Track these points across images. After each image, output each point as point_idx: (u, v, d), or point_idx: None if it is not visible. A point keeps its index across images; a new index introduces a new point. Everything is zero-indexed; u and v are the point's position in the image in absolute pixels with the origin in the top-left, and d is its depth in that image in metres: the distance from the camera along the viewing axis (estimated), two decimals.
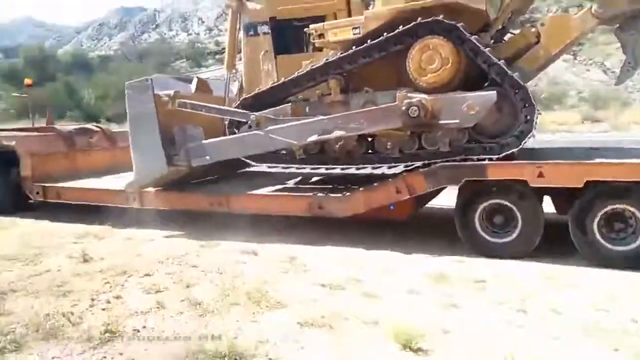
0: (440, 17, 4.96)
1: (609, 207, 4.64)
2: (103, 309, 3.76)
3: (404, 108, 5.13)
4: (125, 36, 79.60)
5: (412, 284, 4.27)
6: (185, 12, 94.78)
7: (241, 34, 6.95)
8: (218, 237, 5.93)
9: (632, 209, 4.56)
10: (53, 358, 2.98)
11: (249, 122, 5.85)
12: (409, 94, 5.20)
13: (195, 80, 7.28)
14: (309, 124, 5.63)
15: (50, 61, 54.62)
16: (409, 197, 5.32)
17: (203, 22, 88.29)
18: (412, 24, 5.09)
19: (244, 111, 6.00)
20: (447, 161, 5.20)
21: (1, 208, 7.77)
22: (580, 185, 4.60)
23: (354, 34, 5.43)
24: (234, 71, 7.30)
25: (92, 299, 4.00)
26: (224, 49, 7.74)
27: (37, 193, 7.49)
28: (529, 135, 4.94)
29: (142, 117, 6.11)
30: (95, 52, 70.82)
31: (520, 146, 5.00)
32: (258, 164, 6.48)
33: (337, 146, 5.78)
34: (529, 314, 3.58)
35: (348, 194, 5.61)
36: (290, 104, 5.93)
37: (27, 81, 11.22)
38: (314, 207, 5.74)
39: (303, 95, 6.00)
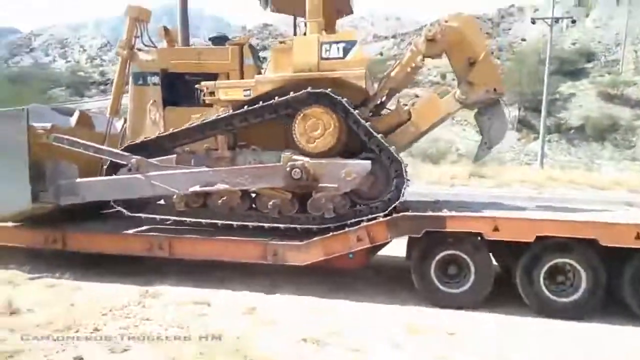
0: (328, 90, 5.32)
1: (554, 261, 5.05)
2: None
3: (287, 169, 5.38)
4: None
5: (391, 336, 4.24)
6: (65, 39, 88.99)
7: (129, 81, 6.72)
8: (155, 283, 5.44)
9: (573, 263, 5.02)
10: None
11: (129, 165, 5.74)
12: (293, 156, 5.46)
13: (77, 114, 6.83)
14: (192, 174, 5.68)
15: None
16: (369, 245, 5.35)
17: (85, 50, 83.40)
18: (302, 92, 5.42)
19: (125, 153, 5.88)
20: (338, 227, 5.41)
21: None
22: (532, 240, 4.98)
23: (245, 95, 5.69)
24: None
25: None
26: (109, 79, 7.38)
27: None
28: (397, 201, 5.34)
29: (11, 147, 5.66)
30: None
31: (388, 210, 5.32)
32: (132, 213, 6.01)
33: (219, 201, 5.76)
34: None
35: (306, 241, 5.48)
36: (175, 155, 5.90)
37: None
38: (268, 254, 5.52)
39: (190, 148, 6.01)
